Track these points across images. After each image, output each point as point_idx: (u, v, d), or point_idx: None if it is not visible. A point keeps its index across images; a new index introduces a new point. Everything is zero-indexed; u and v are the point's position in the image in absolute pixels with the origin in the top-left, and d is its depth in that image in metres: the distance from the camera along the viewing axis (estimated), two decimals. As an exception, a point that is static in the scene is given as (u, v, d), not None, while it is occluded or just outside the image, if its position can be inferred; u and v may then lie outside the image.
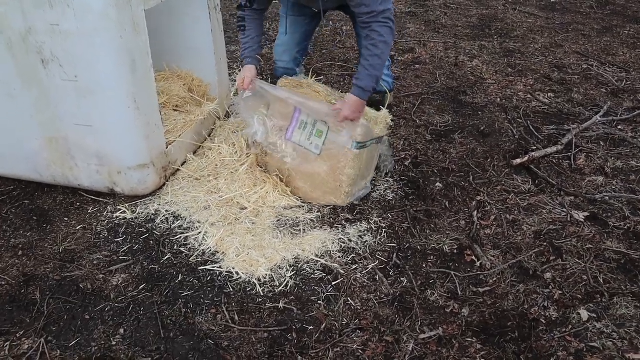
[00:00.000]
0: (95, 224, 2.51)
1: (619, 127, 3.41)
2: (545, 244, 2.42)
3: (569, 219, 2.56)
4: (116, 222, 2.52)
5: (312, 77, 2.87)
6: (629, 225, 2.51)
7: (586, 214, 2.60)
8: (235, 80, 3.95)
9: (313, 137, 2.51)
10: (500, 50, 4.67)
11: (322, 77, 3.99)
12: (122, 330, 1.97)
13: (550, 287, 2.19)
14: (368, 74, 2.34)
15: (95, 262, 2.28)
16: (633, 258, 2.32)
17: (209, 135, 3.13)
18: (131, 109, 2.41)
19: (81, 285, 2.17)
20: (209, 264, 2.27)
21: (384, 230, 2.49)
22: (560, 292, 2.16)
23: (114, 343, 1.92)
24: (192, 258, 2.31)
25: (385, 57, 2.35)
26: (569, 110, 3.63)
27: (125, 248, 2.37)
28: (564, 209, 2.63)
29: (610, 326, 2.01)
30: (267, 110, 2.59)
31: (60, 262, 2.29)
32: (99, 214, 2.57)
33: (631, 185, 2.81)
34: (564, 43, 4.84)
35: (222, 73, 3.24)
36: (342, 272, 2.25)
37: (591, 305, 2.10)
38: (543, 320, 2.04)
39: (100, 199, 2.66)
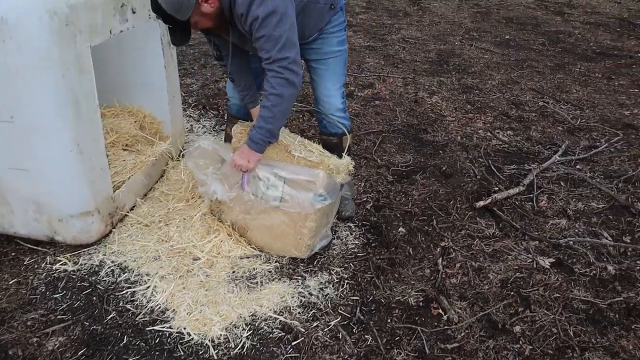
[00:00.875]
0: (31, 277, 2.29)
1: (578, 166, 3.42)
2: (512, 293, 2.35)
3: (534, 266, 2.50)
4: (55, 275, 2.30)
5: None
6: (594, 272, 2.46)
7: (551, 259, 2.54)
8: (190, 116, 3.80)
9: (269, 190, 2.36)
10: (459, 86, 4.68)
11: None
12: (56, 408, 1.75)
13: (520, 341, 2.10)
14: (258, 125, 2.20)
15: (28, 323, 2.06)
16: (601, 308, 2.27)
17: (161, 177, 2.95)
18: (73, 153, 2.23)
19: (10, 352, 1.94)
20: (158, 324, 2.08)
21: (346, 281, 2.36)
22: (530, 347, 2.08)
23: (45, 423, 1.70)
24: (139, 317, 2.11)
25: (278, 111, 2.16)
26: (528, 149, 3.63)
27: (65, 306, 2.15)
28: (529, 255, 2.57)
29: (583, 385, 1.92)
30: (221, 164, 2.44)
31: (-12, 325, 2.05)
32: (36, 266, 2.35)
33: (594, 229, 2.78)
34: (520, 80, 4.91)
35: (176, 110, 3.09)
36: (303, 330, 2.10)
37: (562, 361, 2.02)
38: (514, 380, 1.94)
39: (39, 248, 2.44)
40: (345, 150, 2.69)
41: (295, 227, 2.31)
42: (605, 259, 2.56)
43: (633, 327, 2.18)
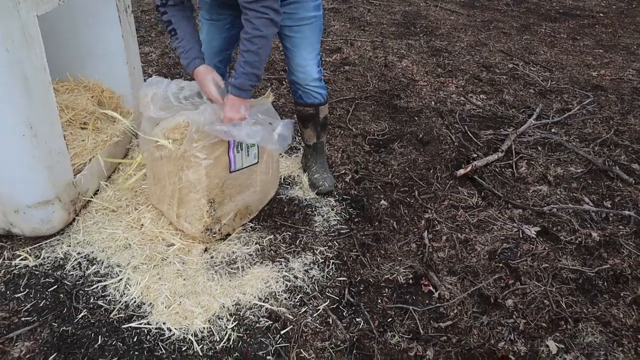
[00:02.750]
0: (-12, 275, 2.08)
1: (553, 130, 3.38)
2: (501, 265, 2.29)
3: (520, 235, 2.46)
4: (15, 271, 2.10)
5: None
6: (579, 240, 2.44)
7: (537, 228, 2.50)
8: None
9: (250, 149, 2.21)
10: (428, 49, 4.57)
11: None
12: (28, 422, 1.59)
13: (514, 316, 2.06)
14: (243, 71, 2.01)
15: (-11, 328, 1.87)
16: (589, 276, 2.24)
17: (125, 157, 2.74)
18: (27, 137, 2.00)
19: (-28, 361, 1.76)
20: (135, 320, 1.93)
21: (331, 261, 2.25)
22: (524, 321, 2.03)
23: None
24: (113, 313, 1.95)
25: (263, 52, 2.01)
26: (503, 113, 3.57)
27: (29, 306, 1.96)
28: (515, 224, 2.52)
29: (580, 357, 1.90)
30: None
31: (-57, 332, 1.85)
32: (-8, 263, 2.14)
33: (575, 194, 2.75)
34: (488, 41, 4.84)
35: (137, 83, 2.85)
36: (291, 317, 1.98)
37: (557, 334, 1.98)
38: (512, 357, 1.89)
39: (-6, 243, 2.22)
40: (321, 120, 2.55)
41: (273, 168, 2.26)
42: (589, 225, 2.54)
43: (622, 294, 2.17)
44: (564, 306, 2.10)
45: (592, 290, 2.18)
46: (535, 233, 2.47)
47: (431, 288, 2.17)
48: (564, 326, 2.02)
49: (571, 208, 2.63)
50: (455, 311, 2.07)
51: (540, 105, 3.63)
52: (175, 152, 2.06)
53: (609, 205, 2.69)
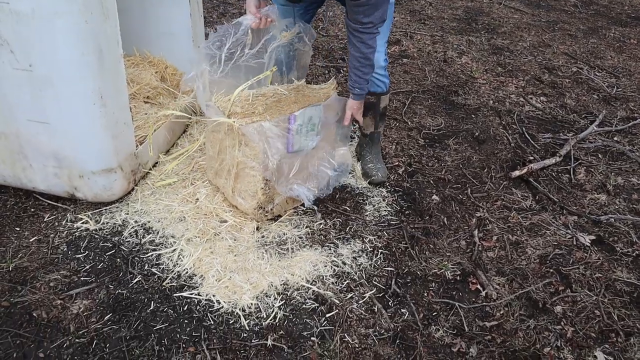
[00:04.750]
0: (52, 235, 2.19)
1: (615, 138, 3.27)
2: (552, 270, 2.25)
3: (574, 242, 2.40)
4: (77, 234, 2.20)
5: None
6: (637, 252, 2.36)
7: (592, 237, 2.44)
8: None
9: (309, 134, 2.23)
10: (489, 47, 4.47)
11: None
12: (84, 375, 1.68)
13: (562, 323, 2.02)
14: (364, 82, 2.27)
15: (52, 284, 1.97)
16: (645, 290, 2.17)
17: (184, 132, 2.81)
18: (97, 105, 2.08)
19: (35, 314, 1.86)
20: (186, 290, 1.99)
21: (379, 251, 2.26)
22: (572, 329, 1.99)
23: (74, 392, 1.63)
24: (165, 282, 2.02)
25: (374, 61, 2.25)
26: (563, 117, 3.47)
27: (88, 267, 2.06)
28: (569, 231, 2.46)
29: (629, 372, 1.85)
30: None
31: (9, 284, 1.96)
32: (56, 223, 2.24)
33: (635, 206, 2.66)
34: (552, 43, 4.70)
35: (200, 62, 2.90)
36: (337, 301, 2.01)
37: (607, 346, 1.93)
38: (558, 364, 1.86)
39: (59, 205, 2.33)
40: (380, 109, 2.55)
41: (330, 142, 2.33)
42: (647, 238, 2.45)
43: (679, 311, 2.09)
44: (616, 318, 2.04)
45: (647, 305, 2.12)
46: (589, 241, 2.41)
47: (478, 286, 2.15)
48: (615, 339, 1.97)
49: (630, 219, 2.55)
50: (501, 312, 2.04)
51: (604, 112, 3.51)
52: (236, 127, 2.10)
53: (671, 220, 2.59)
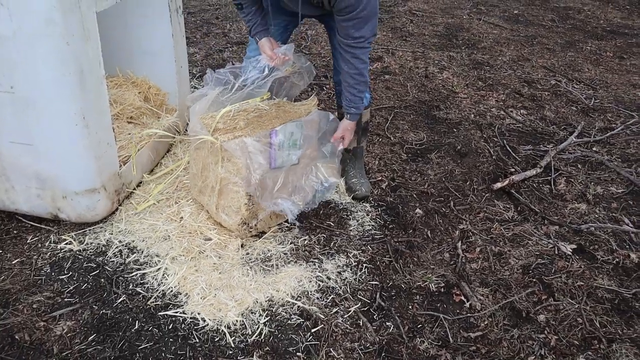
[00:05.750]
0: (35, 257, 2.18)
1: (594, 148, 3.33)
2: (534, 280, 2.27)
3: (556, 252, 2.43)
4: (60, 254, 2.19)
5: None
6: (617, 260, 2.39)
7: (573, 246, 2.47)
8: (195, 87, 3.65)
9: (292, 151, 2.25)
10: (469, 61, 4.55)
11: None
12: (67, 397, 1.66)
13: (546, 331, 2.04)
14: (358, 98, 2.29)
15: (34, 306, 1.96)
16: (625, 297, 2.20)
17: (168, 151, 2.82)
18: (79, 126, 2.09)
19: (17, 336, 1.84)
20: (171, 309, 1.99)
21: (364, 265, 2.28)
22: (556, 337, 2.01)
23: (57, 414, 1.61)
24: (150, 301, 2.01)
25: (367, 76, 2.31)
26: (543, 129, 3.54)
27: (72, 287, 2.05)
28: (550, 240, 2.49)
29: (612, 378, 1.87)
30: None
31: (-9, 307, 1.95)
32: (39, 245, 2.23)
33: (614, 214, 2.71)
34: (531, 57, 4.79)
35: (183, 81, 2.94)
36: (322, 316, 2.01)
37: (590, 353, 1.96)
38: (542, 372, 1.88)
39: (42, 226, 2.32)
40: (363, 124, 2.58)
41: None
42: (627, 247, 2.49)
43: (659, 317, 2.12)
44: (598, 325, 2.07)
45: (629, 311, 2.15)
46: (571, 250, 2.45)
47: (462, 298, 2.17)
48: (597, 345, 1.99)
49: (610, 228, 2.59)
50: (485, 322, 2.06)
51: (582, 123, 3.58)
52: (217, 144, 2.12)
53: (650, 228, 2.64)
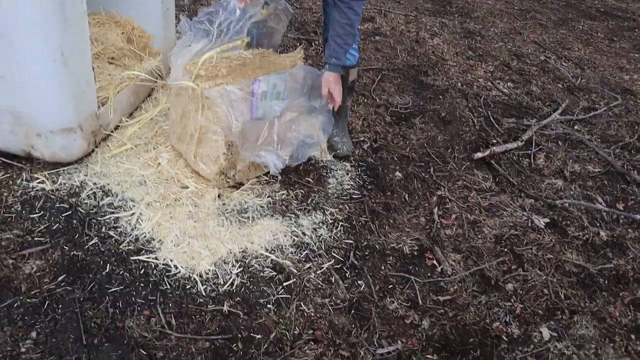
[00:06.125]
0: (5, 194, 2.12)
1: (576, 127, 3.36)
2: (506, 250, 2.31)
3: (529, 224, 2.47)
4: (32, 193, 2.14)
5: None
6: (587, 237, 2.44)
7: (546, 220, 2.51)
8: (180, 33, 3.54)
9: (274, 102, 2.21)
10: (461, 30, 4.50)
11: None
12: (34, 334, 1.65)
13: (512, 300, 2.08)
14: (344, 51, 2.25)
15: (3, 243, 1.92)
16: (591, 273, 2.26)
17: (149, 96, 2.75)
18: (57, 63, 2.02)
19: (-16, 271, 1.81)
20: (143, 254, 1.97)
21: (340, 223, 2.28)
22: (521, 305, 2.06)
23: (23, 350, 1.60)
24: (123, 245, 1.99)
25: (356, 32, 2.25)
26: (528, 103, 3.54)
27: (42, 227, 2.01)
28: (525, 213, 2.53)
29: (571, 347, 1.93)
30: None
31: (-42, 240, 1.91)
32: (11, 182, 2.18)
33: (589, 192, 2.75)
34: (523, 31, 4.76)
35: (169, 25, 2.85)
36: (295, 271, 2.02)
37: (552, 322, 2.01)
38: (505, 338, 1.93)
39: (14, 163, 2.26)
40: (349, 83, 2.54)
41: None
42: (598, 224, 2.54)
43: (621, 294, 2.18)
44: (562, 297, 2.12)
45: (593, 286, 2.20)
46: (544, 224, 2.49)
47: (435, 262, 2.19)
48: (560, 316, 2.05)
49: (583, 205, 2.63)
50: (455, 287, 2.10)
51: (567, 101, 3.59)
52: (198, 91, 2.07)
53: (621, 208, 2.69)
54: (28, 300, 1.74)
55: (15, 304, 1.72)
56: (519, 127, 3.22)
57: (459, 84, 3.62)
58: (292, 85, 2.22)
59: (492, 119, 3.25)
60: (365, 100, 3.20)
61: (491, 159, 2.87)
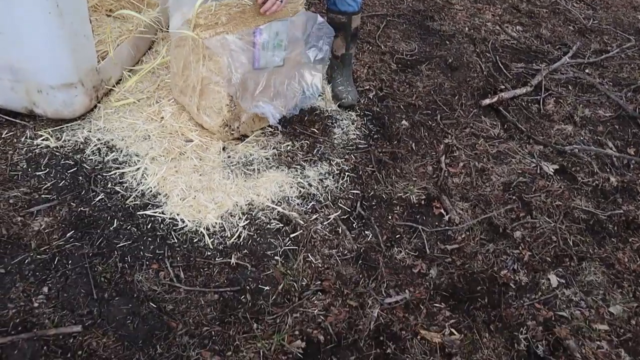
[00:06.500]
0: (10, 152, 2.11)
1: (587, 70, 3.27)
2: (514, 197, 2.30)
3: (538, 171, 2.44)
4: (37, 150, 2.13)
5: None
6: (597, 182, 2.42)
7: (555, 166, 2.48)
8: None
9: (276, 51, 2.15)
10: (469, -29, 4.33)
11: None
12: (45, 289, 1.67)
13: (520, 247, 2.08)
14: None
15: (11, 201, 1.92)
16: (600, 219, 2.24)
17: (149, 49, 2.70)
18: (53, 15, 1.96)
19: (-6, 230, 1.83)
20: (150, 208, 1.97)
21: (346, 173, 2.26)
22: (529, 253, 2.06)
23: (36, 305, 1.63)
24: (129, 200, 1.99)
25: None
26: (537, 47, 3.44)
27: (49, 184, 2.01)
28: (533, 160, 2.50)
29: (579, 293, 1.94)
30: None
31: (-34, 199, 1.91)
32: (15, 140, 2.17)
33: (599, 138, 2.70)
34: (533, -30, 4.56)
35: (166, -26, 2.75)
36: (302, 222, 2.02)
37: (560, 269, 2.01)
38: (512, 285, 1.94)
39: (17, 121, 2.24)
40: (352, 30, 2.47)
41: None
42: (608, 170, 2.51)
43: (630, 240, 2.18)
44: (571, 244, 2.12)
45: (602, 232, 2.19)
46: (553, 171, 2.46)
47: (442, 211, 2.19)
48: (568, 263, 2.05)
49: (593, 150, 2.59)
50: (463, 236, 2.10)
51: (578, 44, 3.49)
52: (199, 41, 2.02)
53: (632, 153, 2.65)
54: (38, 256, 1.75)
55: (26, 261, 1.74)
56: (528, 72, 3.15)
57: (466, 28, 3.51)
58: (293, 33, 2.15)
59: (500, 64, 3.17)
60: (370, 47, 3.12)
61: (499, 105, 2.81)
